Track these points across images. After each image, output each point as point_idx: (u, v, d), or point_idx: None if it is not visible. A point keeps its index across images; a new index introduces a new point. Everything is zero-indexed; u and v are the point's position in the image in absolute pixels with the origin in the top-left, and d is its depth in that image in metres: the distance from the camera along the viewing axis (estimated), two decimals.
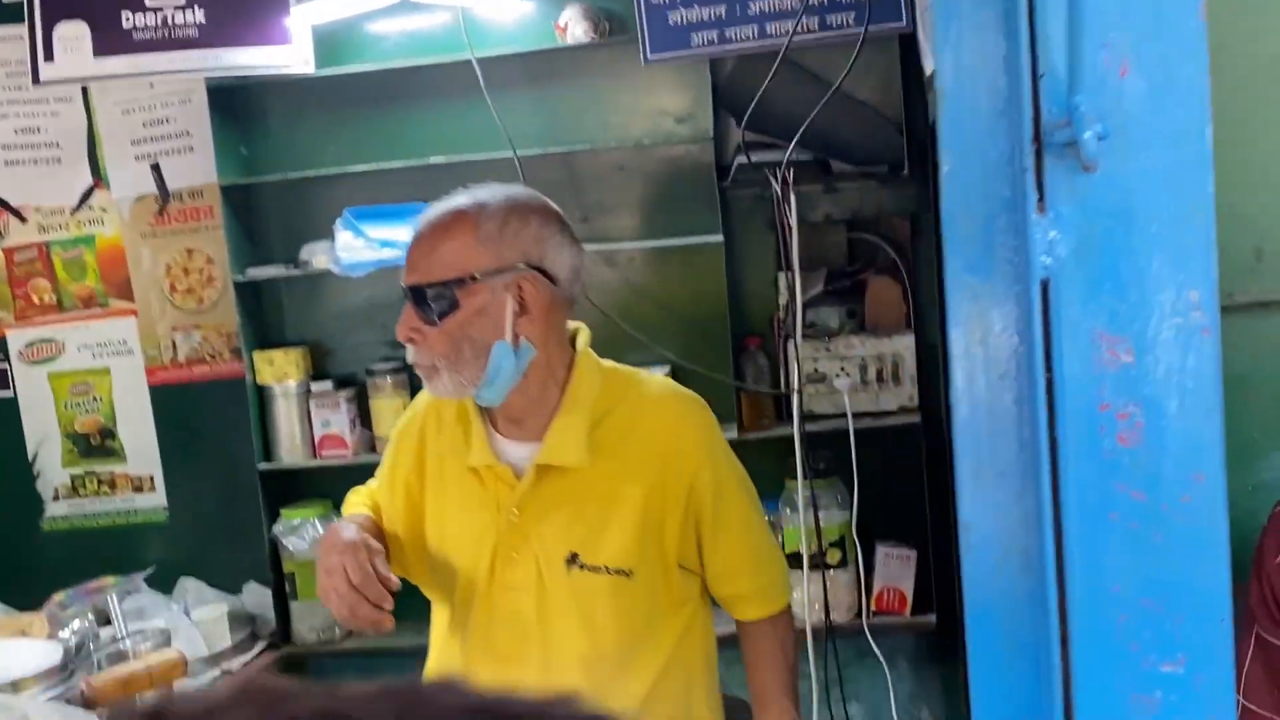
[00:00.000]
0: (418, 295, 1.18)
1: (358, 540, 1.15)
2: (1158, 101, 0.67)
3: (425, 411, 1.32)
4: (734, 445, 2.06)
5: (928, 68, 1.99)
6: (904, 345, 2.02)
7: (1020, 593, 0.73)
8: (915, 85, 2.01)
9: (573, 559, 1.23)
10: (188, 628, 1.99)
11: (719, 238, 2.01)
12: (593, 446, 1.22)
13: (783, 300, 2.06)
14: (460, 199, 1.23)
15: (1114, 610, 0.69)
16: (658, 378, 1.39)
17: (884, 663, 1.99)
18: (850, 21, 1.88)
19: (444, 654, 1.32)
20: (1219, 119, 0.67)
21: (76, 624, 1.91)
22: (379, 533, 1.28)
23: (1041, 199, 0.68)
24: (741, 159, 2.00)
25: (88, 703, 1.56)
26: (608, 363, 1.31)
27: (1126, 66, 0.66)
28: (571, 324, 1.28)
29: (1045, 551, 0.70)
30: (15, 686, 1.71)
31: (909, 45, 1.95)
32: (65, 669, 1.80)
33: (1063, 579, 0.69)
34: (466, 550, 1.27)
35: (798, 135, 1.84)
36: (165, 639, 1.89)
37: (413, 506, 1.30)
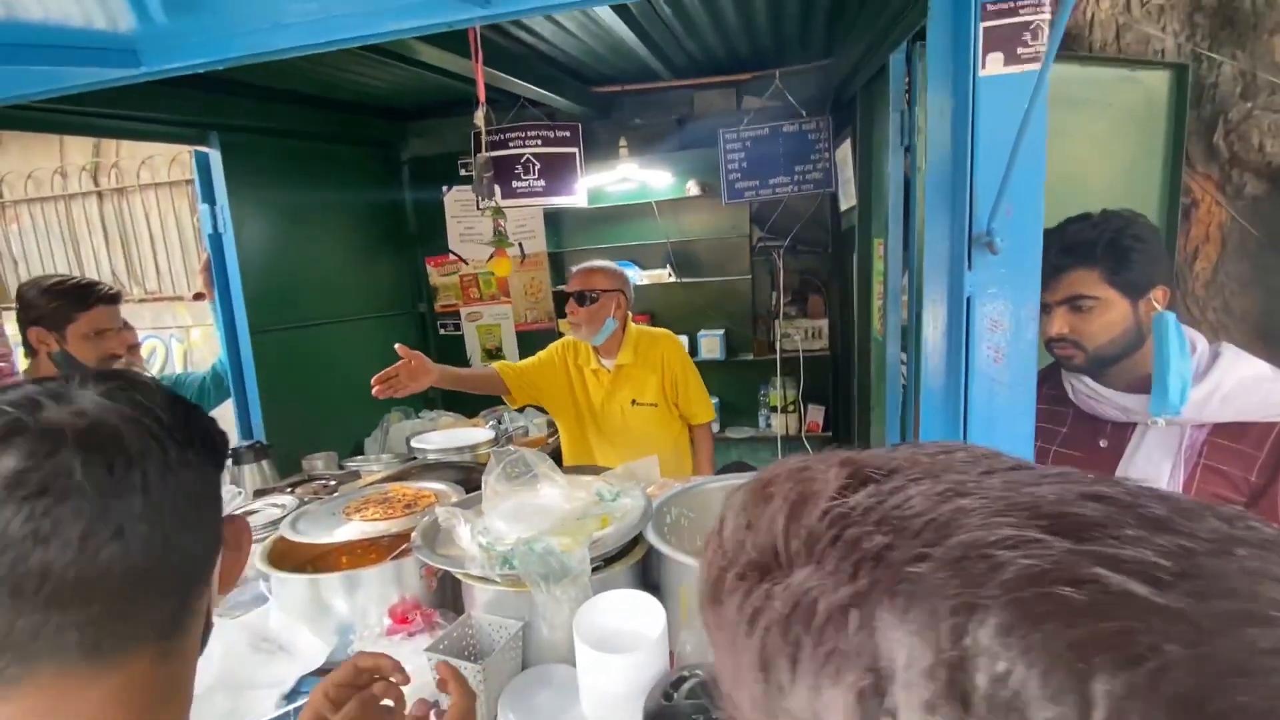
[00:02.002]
0: (578, 296, 2.66)
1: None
2: (1018, 223, 1.38)
3: (563, 346, 2.85)
4: (748, 363, 4.99)
5: (842, 204, 4.74)
6: (824, 323, 4.80)
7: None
8: (834, 211, 4.75)
9: (633, 402, 2.71)
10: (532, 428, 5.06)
11: (749, 277, 4.85)
12: (635, 357, 2.68)
13: (773, 304, 4.89)
14: (599, 262, 2.76)
15: None
16: (659, 329, 2.82)
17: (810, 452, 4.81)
18: (811, 186, 4.65)
19: (574, 443, 2.93)
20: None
21: (492, 423, 5.01)
22: (479, 375, 2.81)
23: (970, 263, 1.41)
24: (760, 245, 4.84)
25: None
26: (640, 325, 2.81)
27: (1010, 210, 1.37)
28: (631, 314, 2.81)
29: (959, 402, 1.48)
30: (475, 448, 4.69)
31: (834, 196, 4.69)
32: (496, 440, 4.88)
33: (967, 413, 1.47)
34: (591, 401, 2.80)
35: (789, 236, 4.66)
36: (526, 429, 4.96)
37: (550, 378, 2.85)
